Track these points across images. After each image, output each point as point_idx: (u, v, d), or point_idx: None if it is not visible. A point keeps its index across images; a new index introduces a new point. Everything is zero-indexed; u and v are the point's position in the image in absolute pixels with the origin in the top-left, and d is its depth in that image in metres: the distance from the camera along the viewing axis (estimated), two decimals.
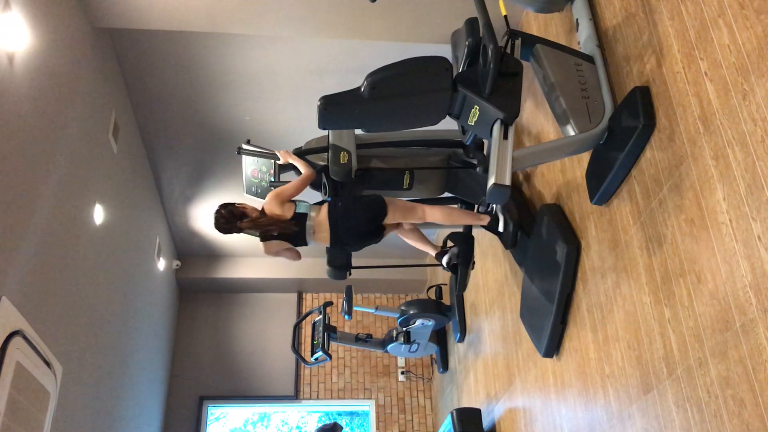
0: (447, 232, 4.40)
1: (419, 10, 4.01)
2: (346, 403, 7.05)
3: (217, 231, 3.67)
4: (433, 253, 4.09)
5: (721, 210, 2.08)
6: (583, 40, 3.04)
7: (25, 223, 3.23)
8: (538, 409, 3.74)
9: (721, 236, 2.08)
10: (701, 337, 2.18)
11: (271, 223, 3.58)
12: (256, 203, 3.82)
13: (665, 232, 2.43)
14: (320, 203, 3.80)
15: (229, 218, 3.59)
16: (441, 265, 4.09)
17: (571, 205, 3.31)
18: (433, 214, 3.77)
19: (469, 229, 4.07)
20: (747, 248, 1.95)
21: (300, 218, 3.62)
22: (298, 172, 3.81)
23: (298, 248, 3.77)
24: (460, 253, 3.99)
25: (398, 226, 3.92)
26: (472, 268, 4.13)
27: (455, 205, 4.24)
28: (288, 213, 3.61)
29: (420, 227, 4.11)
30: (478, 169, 3.06)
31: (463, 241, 4.02)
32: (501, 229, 3.78)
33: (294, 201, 3.67)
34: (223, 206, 3.63)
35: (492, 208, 3.83)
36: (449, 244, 4.08)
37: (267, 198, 3.64)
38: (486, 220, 3.82)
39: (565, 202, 3.39)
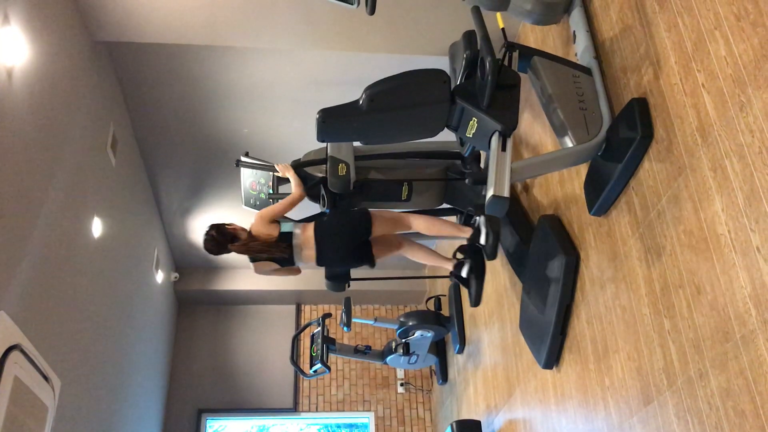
0: (447, 243, 4.40)
1: (417, 22, 4.03)
2: (345, 415, 7.03)
3: (206, 251, 3.68)
4: (448, 266, 4.06)
5: (720, 221, 2.09)
6: (581, 52, 3.05)
7: (23, 237, 3.22)
8: (538, 421, 3.73)
9: (720, 247, 2.08)
10: (701, 348, 2.17)
11: (261, 249, 3.59)
12: (246, 220, 3.84)
13: (664, 244, 2.43)
14: (305, 221, 3.82)
15: (220, 240, 3.60)
16: (460, 278, 4.06)
17: (570, 216, 3.32)
18: (418, 223, 3.78)
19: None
20: (746, 259, 1.95)
21: (286, 238, 3.62)
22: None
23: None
24: (474, 266, 3.98)
25: (396, 248, 3.91)
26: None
27: (454, 218, 4.24)
28: (274, 232, 3.61)
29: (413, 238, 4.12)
30: (467, 180, 3.05)
31: (475, 254, 4.01)
32: (483, 241, 3.77)
33: (278, 220, 3.67)
34: (213, 227, 3.63)
35: (475, 220, 3.83)
36: (459, 256, 4.07)
37: (255, 217, 3.65)
38: (468, 232, 3.82)
39: (564, 214, 3.40)
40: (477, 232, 3.76)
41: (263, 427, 7.31)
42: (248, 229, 3.65)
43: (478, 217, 3.78)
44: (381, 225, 3.71)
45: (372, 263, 3.78)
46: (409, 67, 2.81)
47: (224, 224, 3.66)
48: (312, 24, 4.02)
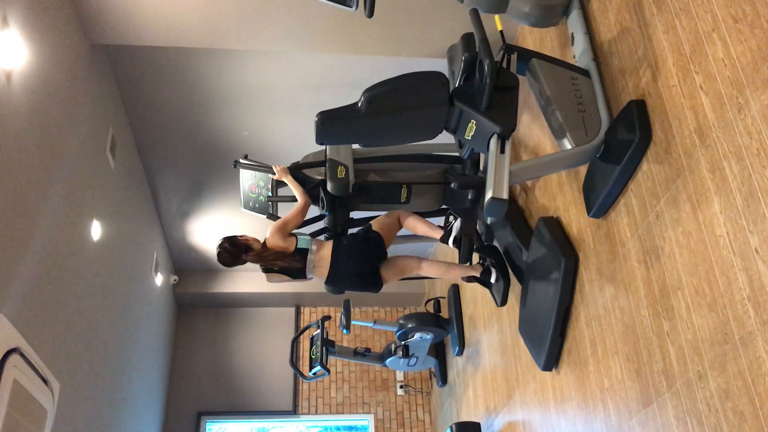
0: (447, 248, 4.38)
1: (416, 25, 4.03)
2: (344, 417, 7.02)
3: (221, 264, 3.69)
4: (475, 273, 4.09)
5: (719, 223, 2.09)
6: (579, 54, 3.06)
7: (23, 241, 3.22)
8: (537, 423, 3.73)
9: (718, 249, 2.09)
10: (700, 349, 2.18)
11: (276, 258, 3.59)
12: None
13: (663, 245, 2.43)
14: (319, 233, 3.83)
15: (234, 252, 3.59)
16: (488, 284, 4.13)
17: (569, 218, 3.32)
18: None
19: (490, 239, 4.08)
20: (744, 261, 1.95)
21: (302, 253, 3.63)
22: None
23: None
24: (497, 266, 4.03)
25: (417, 270, 3.95)
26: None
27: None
28: (290, 246, 3.62)
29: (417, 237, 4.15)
30: (453, 185, 3.01)
31: (494, 254, 4.06)
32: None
33: (294, 234, 3.68)
34: (226, 240, 3.63)
35: (450, 223, 3.87)
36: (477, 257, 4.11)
37: (270, 231, 3.65)
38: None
39: (563, 215, 3.40)
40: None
41: (263, 430, 7.30)
42: (262, 241, 3.66)
43: (453, 222, 3.84)
44: (385, 235, 3.79)
45: (378, 289, 3.81)
46: (407, 69, 2.82)
47: (236, 236, 3.67)
48: (310, 27, 4.03)
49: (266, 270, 3.67)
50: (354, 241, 3.78)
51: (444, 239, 3.83)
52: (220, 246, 3.63)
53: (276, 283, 3.80)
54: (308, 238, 3.71)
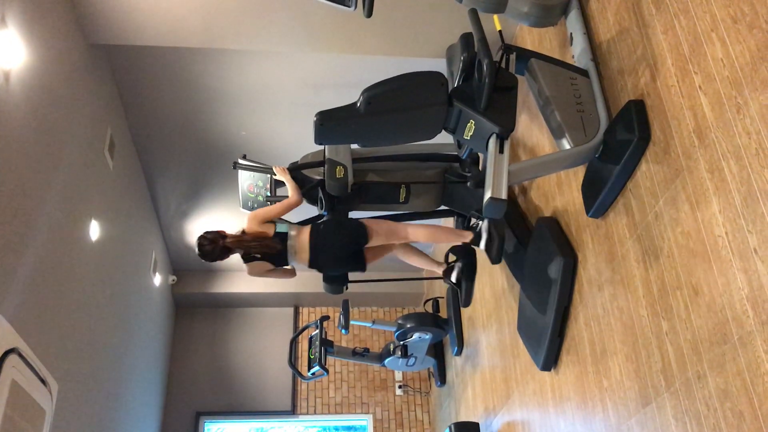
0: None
1: (415, 25, 4.03)
2: (343, 417, 7.02)
3: (203, 260, 3.71)
4: (439, 270, 4.08)
5: (717, 223, 2.09)
6: (578, 54, 3.06)
7: (21, 241, 3.22)
8: (536, 423, 3.73)
9: (717, 249, 2.09)
10: (699, 349, 2.18)
11: (254, 239, 3.61)
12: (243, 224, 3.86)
13: (662, 245, 2.43)
14: (301, 223, 3.85)
15: (212, 239, 3.62)
16: (450, 281, 4.09)
17: (568, 218, 3.32)
18: (417, 233, 3.82)
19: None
20: (743, 261, 1.95)
21: (281, 237, 3.66)
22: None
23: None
24: (464, 267, 4.00)
25: (389, 250, 3.93)
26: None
27: (442, 222, 4.24)
28: (269, 231, 3.65)
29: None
30: (469, 183, 3.03)
31: (466, 255, 4.03)
32: (483, 246, 3.79)
33: (273, 221, 3.70)
34: (204, 233, 3.69)
35: (477, 224, 3.85)
36: (451, 257, 4.08)
37: (247, 218, 3.69)
38: (469, 236, 3.84)
39: (562, 216, 3.40)
40: (478, 237, 3.78)
41: (261, 430, 7.30)
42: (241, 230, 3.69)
43: (480, 222, 3.79)
44: (378, 237, 3.75)
45: (363, 269, 3.82)
46: (406, 69, 2.82)
47: (214, 230, 3.72)
48: (309, 26, 4.03)
49: (247, 259, 3.69)
50: (331, 224, 3.80)
51: (475, 242, 3.80)
52: (198, 239, 3.70)
53: (259, 275, 3.80)
54: (287, 223, 3.74)
